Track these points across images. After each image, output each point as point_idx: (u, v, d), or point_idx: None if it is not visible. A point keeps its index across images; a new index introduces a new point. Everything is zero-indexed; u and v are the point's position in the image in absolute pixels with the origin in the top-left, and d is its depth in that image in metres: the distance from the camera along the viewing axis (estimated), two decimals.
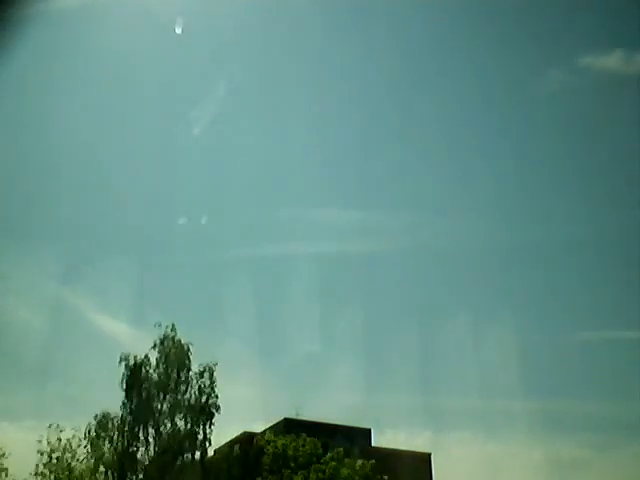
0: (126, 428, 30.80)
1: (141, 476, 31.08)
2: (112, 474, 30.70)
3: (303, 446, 30.37)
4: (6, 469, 29.46)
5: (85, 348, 40.80)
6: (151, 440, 30.95)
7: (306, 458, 30.14)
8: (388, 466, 32.51)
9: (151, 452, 30.88)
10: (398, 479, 35.31)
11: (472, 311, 48.66)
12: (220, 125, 49.56)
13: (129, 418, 31.02)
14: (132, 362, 31.65)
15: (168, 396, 31.57)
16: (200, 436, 31.28)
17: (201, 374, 32.00)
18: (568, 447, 47.96)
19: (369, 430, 41.43)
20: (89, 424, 30.82)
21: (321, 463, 29.89)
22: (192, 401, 31.65)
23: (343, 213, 48.58)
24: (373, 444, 40.93)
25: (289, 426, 35.60)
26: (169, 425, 31.34)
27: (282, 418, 37.37)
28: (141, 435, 30.96)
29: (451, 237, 48.75)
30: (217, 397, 31.94)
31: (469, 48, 54.55)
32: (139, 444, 30.89)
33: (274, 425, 37.24)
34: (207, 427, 31.49)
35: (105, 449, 30.68)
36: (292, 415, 36.50)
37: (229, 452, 34.31)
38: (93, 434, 30.69)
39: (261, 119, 54.91)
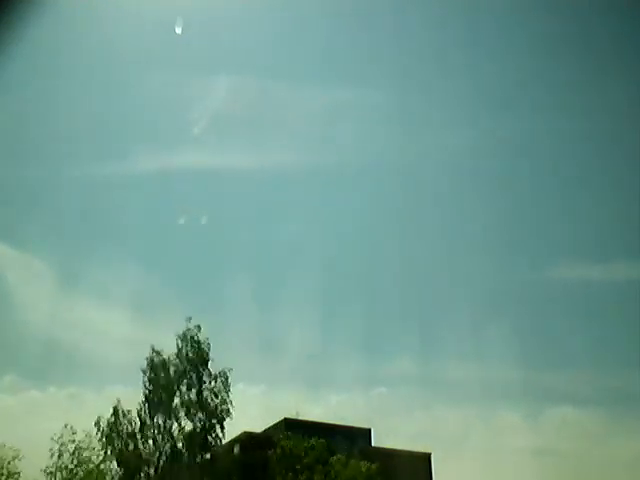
0: (140, 424, 31.07)
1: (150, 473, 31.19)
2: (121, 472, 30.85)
3: (312, 448, 30.40)
4: (19, 472, 29.54)
5: None
6: (159, 438, 31.13)
7: (313, 459, 30.20)
8: (388, 466, 32.51)
9: (158, 451, 31.04)
10: (398, 479, 35.36)
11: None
12: None
13: (146, 414, 31.28)
14: (157, 360, 32.01)
15: (183, 395, 31.85)
16: (210, 438, 31.45)
17: (215, 377, 32.20)
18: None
19: (369, 430, 41.36)
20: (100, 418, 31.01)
21: (326, 465, 29.96)
22: (206, 403, 31.85)
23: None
24: (373, 444, 40.89)
25: (289, 426, 35.57)
26: (180, 424, 31.58)
27: (282, 418, 37.35)
28: (152, 432, 31.16)
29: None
30: (231, 402, 32.15)
31: None
32: (149, 441, 31.12)
33: (274, 425, 37.25)
34: (217, 430, 31.68)
35: (116, 446, 30.78)
36: (292, 415, 36.49)
37: (229, 452, 34.39)
38: (107, 430, 30.75)
39: None
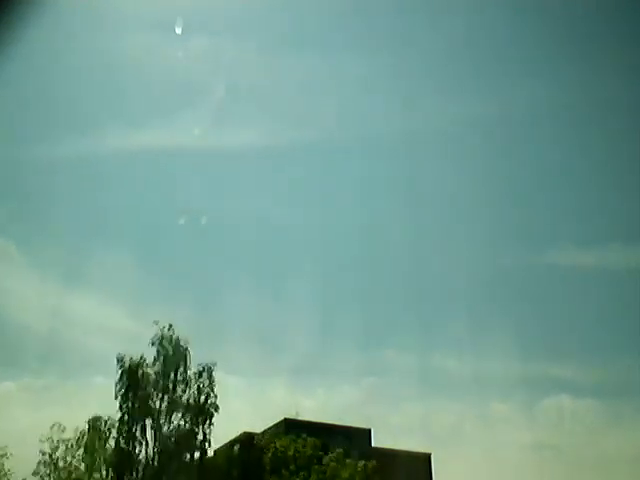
0: (124, 428, 30.75)
1: (140, 476, 31.05)
2: (110, 475, 30.72)
3: (304, 447, 30.33)
4: (8, 470, 29.46)
5: None
6: (150, 440, 30.89)
7: (306, 459, 30.13)
8: (388, 466, 32.50)
9: (150, 452, 30.83)
10: (398, 479, 35.34)
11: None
12: None
13: (126, 418, 30.97)
14: (128, 362, 31.63)
15: (166, 396, 31.52)
16: (200, 436, 31.22)
17: (200, 374, 31.94)
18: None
19: (369, 430, 41.29)
20: (83, 428, 30.98)
21: (321, 464, 29.88)
22: (191, 401, 31.60)
23: None
24: (373, 444, 40.85)
25: (289, 426, 35.58)
26: (168, 425, 31.34)
27: (282, 418, 37.34)
28: (139, 435, 30.88)
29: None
30: (216, 397, 31.93)
31: None
32: (137, 444, 30.83)
33: (274, 425, 37.24)
34: (206, 427, 31.44)
35: (103, 450, 30.67)
36: (292, 415, 36.49)
37: (229, 452, 34.34)
38: (87, 437, 30.69)
39: None
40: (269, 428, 37.54)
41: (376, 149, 53.45)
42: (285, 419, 37.11)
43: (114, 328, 42.48)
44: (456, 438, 43.85)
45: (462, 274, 46.84)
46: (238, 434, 36.69)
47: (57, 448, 30.11)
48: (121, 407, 31.05)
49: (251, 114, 51.43)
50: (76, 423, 31.08)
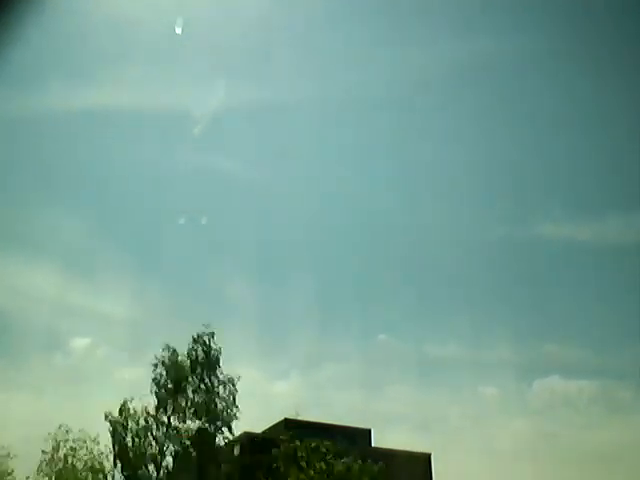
0: (151, 426, 31.12)
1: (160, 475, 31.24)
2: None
3: (317, 449, 30.52)
4: (12, 471, 29.56)
5: None
6: (165, 440, 31.22)
7: (317, 461, 30.33)
8: (388, 466, 32.52)
9: (167, 449, 31.14)
10: (398, 479, 35.36)
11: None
12: None
13: (153, 412, 31.36)
14: (169, 359, 32.02)
15: (192, 396, 31.92)
16: (218, 439, 31.62)
17: (224, 384, 32.35)
18: None
19: (369, 430, 41.37)
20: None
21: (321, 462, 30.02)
22: (214, 405, 31.99)
23: None
24: (373, 444, 40.89)
25: (289, 426, 35.60)
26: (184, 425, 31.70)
27: (282, 418, 37.37)
28: (161, 430, 31.22)
29: None
30: (237, 408, 32.31)
31: None
32: (153, 442, 31.19)
33: (274, 425, 37.27)
34: (226, 431, 31.92)
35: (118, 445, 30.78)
36: (292, 415, 36.50)
37: (229, 452, 34.44)
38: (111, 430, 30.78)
39: None
40: (269, 428, 37.61)
41: (364, 104, 50.75)
42: (285, 419, 37.15)
43: (70, 304, 41.58)
44: (452, 425, 43.57)
45: (452, 252, 45.75)
46: (238, 435, 36.77)
47: (59, 447, 30.15)
48: (155, 399, 31.61)
49: (232, 67, 48.10)
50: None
